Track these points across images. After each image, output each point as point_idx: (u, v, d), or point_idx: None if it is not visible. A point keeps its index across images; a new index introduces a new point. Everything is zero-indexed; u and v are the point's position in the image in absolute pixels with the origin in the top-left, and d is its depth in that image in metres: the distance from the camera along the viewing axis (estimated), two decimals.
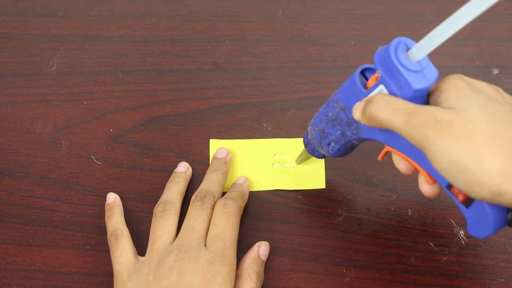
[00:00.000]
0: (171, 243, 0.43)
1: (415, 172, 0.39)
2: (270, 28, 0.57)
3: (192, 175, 0.50)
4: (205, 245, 0.43)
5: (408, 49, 0.36)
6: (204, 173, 0.49)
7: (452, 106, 0.34)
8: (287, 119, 0.52)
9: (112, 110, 0.53)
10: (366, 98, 0.38)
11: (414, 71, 0.35)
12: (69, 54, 0.56)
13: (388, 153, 0.41)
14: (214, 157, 0.50)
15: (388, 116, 0.35)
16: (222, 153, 0.50)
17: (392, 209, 0.48)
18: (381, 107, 0.36)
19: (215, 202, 0.46)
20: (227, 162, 0.49)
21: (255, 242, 0.46)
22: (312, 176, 0.50)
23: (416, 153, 0.37)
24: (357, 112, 0.38)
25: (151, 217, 0.46)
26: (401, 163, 0.40)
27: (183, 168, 0.49)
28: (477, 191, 0.32)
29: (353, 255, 0.47)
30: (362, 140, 0.41)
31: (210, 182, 0.47)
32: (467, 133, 0.32)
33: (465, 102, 0.33)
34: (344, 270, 0.46)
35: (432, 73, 0.36)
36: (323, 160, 0.50)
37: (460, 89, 0.34)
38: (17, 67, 0.55)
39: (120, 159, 0.51)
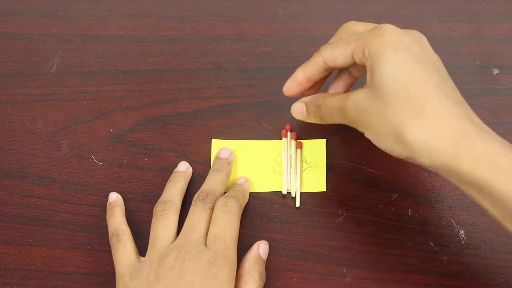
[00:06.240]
0: (172, 243, 0.43)
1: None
2: (270, 28, 0.57)
3: (192, 175, 0.50)
4: (206, 244, 0.43)
5: None
6: (204, 173, 0.49)
7: (370, 85, 0.40)
8: (287, 119, 0.52)
9: (112, 110, 0.53)
10: (305, 100, 0.46)
11: None
12: (69, 54, 0.56)
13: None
14: (216, 157, 0.50)
15: (335, 119, 0.44)
16: (225, 153, 0.50)
17: (392, 209, 0.48)
18: (327, 111, 0.44)
19: None
20: (230, 163, 0.49)
21: (255, 242, 0.46)
22: (313, 179, 0.50)
23: None
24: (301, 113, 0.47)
25: (151, 217, 0.46)
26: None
27: (183, 168, 0.49)
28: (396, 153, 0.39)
29: (353, 255, 0.47)
30: None
31: (212, 183, 0.47)
32: (382, 112, 0.38)
33: (382, 75, 0.39)
34: (344, 270, 0.46)
35: None
36: (324, 164, 0.50)
37: (383, 54, 0.39)
38: (17, 67, 0.55)
39: (120, 159, 0.51)
